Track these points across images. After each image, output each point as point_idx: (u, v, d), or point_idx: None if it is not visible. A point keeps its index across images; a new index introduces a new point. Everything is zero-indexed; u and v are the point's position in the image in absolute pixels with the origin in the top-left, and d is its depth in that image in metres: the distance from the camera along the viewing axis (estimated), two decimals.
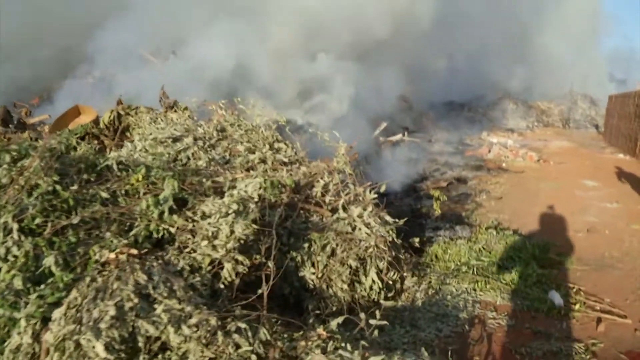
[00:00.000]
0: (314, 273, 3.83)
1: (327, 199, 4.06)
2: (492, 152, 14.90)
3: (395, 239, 4.61)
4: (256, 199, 3.49)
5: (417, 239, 5.00)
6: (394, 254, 4.18)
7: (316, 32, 14.08)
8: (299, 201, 4.05)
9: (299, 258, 3.86)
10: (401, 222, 3.85)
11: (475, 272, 4.98)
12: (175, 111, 6.88)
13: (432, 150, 15.53)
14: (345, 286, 3.82)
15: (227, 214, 3.24)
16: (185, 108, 6.84)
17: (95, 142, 6.65)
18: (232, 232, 3.20)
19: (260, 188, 3.52)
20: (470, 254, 5.19)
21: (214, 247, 3.10)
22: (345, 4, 14.54)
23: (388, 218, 3.87)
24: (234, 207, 3.24)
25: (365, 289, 3.89)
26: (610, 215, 8.56)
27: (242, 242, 3.21)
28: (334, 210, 4.05)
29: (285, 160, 5.06)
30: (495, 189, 10.30)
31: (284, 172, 4.30)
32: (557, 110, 32.12)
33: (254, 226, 3.26)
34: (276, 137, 5.31)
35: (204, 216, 3.33)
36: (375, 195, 3.98)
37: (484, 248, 5.38)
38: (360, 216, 3.80)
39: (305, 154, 5.10)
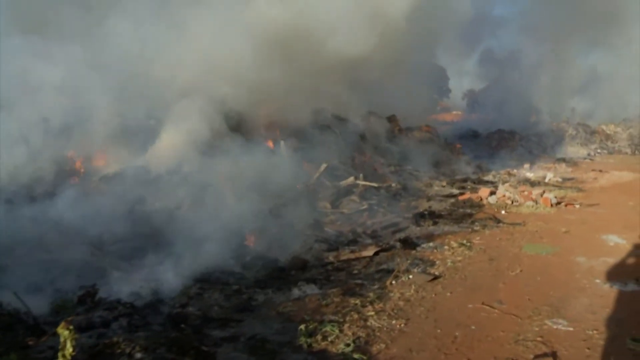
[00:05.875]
0: None
1: None
2: (497, 194, 11.15)
3: None
4: None
5: None
6: None
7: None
8: None
9: None
10: None
11: None
12: None
13: (419, 193, 11.99)
14: None
15: None
16: None
17: None
18: None
19: None
20: None
21: None
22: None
23: None
24: None
25: None
26: (607, 314, 4.84)
27: None
28: None
29: None
30: (448, 258, 6.77)
31: None
32: (625, 134, 27.02)
33: None
34: None
35: None
36: None
37: None
38: None
39: None
